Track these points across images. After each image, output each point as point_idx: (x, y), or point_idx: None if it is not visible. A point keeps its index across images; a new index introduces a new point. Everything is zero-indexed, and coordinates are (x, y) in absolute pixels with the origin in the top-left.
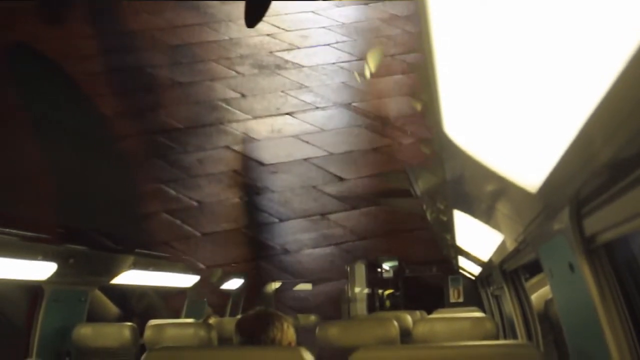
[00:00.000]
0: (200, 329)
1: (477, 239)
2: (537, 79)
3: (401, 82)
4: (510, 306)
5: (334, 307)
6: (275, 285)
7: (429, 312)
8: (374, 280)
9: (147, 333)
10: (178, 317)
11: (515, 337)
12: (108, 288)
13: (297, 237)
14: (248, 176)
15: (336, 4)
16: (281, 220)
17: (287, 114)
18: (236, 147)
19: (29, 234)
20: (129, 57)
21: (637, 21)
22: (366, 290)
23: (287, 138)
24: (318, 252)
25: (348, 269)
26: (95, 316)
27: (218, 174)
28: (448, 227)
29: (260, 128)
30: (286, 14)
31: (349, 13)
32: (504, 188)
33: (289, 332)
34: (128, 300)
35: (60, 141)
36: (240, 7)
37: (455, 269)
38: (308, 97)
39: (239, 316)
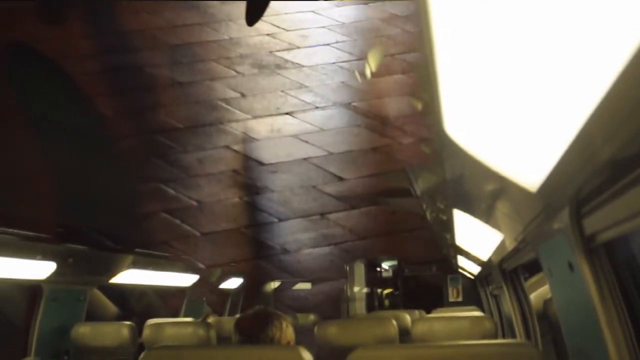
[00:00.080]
0: (199, 328)
1: (476, 239)
2: (538, 78)
3: (401, 81)
4: (509, 305)
5: (334, 307)
6: (275, 284)
7: (428, 312)
8: (373, 279)
9: (146, 332)
10: (177, 316)
11: (514, 336)
12: (107, 287)
13: (297, 237)
14: (248, 176)
15: (336, 4)
16: (281, 220)
17: (286, 113)
18: (236, 147)
19: (28, 233)
20: (128, 57)
21: (637, 21)
22: (365, 290)
23: (286, 138)
24: (317, 252)
25: (347, 268)
26: (94, 315)
27: (218, 173)
28: (448, 226)
29: (260, 128)
30: (286, 13)
31: (349, 13)
32: (504, 187)
33: (288, 331)
34: (127, 299)
35: (60, 141)
36: (240, 7)
37: (454, 269)
38: (308, 97)
39: (237, 315)
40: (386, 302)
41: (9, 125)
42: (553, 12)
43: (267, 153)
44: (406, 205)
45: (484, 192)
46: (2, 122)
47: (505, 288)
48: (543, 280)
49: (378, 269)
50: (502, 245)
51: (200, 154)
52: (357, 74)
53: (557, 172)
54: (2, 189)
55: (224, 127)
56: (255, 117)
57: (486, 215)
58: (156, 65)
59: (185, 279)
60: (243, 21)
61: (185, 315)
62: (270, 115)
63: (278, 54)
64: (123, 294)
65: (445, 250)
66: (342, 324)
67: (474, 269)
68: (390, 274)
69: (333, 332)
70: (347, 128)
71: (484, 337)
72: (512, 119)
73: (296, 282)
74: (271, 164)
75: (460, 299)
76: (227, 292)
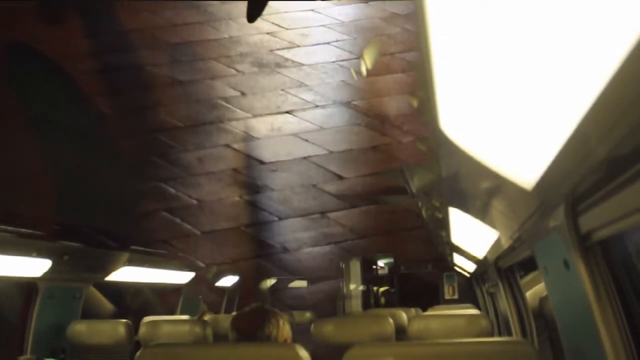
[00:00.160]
0: (196, 325)
1: (472, 236)
2: (533, 76)
3: (401, 80)
4: (505, 303)
5: (332, 305)
6: (270, 282)
7: (424, 310)
8: (369, 277)
9: (142, 330)
10: (173, 314)
11: (509, 334)
12: (103, 285)
13: (297, 236)
14: (248, 174)
15: (336, 3)
16: (281, 219)
17: (287, 112)
18: (236, 146)
19: (24, 230)
20: (128, 56)
21: (632, 19)
22: (361, 287)
23: (286, 136)
24: (317, 251)
25: (342, 265)
26: (90, 313)
27: (218, 172)
28: (443, 224)
29: (260, 126)
30: (286, 12)
31: (349, 11)
32: (500, 185)
33: (285, 329)
34: (123, 297)
35: (60, 141)
36: (240, 6)
37: (450, 266)
38: (308, 96)
39: (234, 313)
40: (382, 300)
41: (9, 125)
42: (548, 12)
43: (267, 152)
44: (406, 204)
45: (480, 189)
46: (2, 122)
47: (501, 286)
48: (539, 278)
49: (374, 266)
50: (497, 243)
51: (201, 152)
52: (352, 72)
53: (552, 170)
54: (2, 188)
55: (224, 125)
56: (255, 116)
57: (482, 212)
58: (156, 64)
59: (182, 277)
60: (243, 20)
61: (182, 313)
62: (271, 113)
63: (278, 52)
64: (119, 292)
65: (440, 248)
66: (338, 321)
67: (469, 267)
68: (386, 271)
69: (329, 330)
70: (347, 127)
71: (480, 335)
72: (508, 117)
73: (292, 280)
74: (271, 162)
75: (455, 297)
76: (223, 290)
